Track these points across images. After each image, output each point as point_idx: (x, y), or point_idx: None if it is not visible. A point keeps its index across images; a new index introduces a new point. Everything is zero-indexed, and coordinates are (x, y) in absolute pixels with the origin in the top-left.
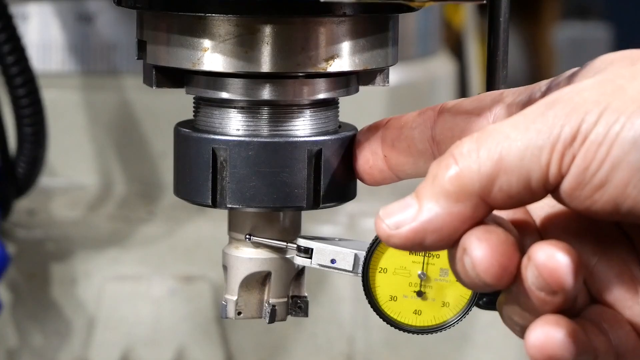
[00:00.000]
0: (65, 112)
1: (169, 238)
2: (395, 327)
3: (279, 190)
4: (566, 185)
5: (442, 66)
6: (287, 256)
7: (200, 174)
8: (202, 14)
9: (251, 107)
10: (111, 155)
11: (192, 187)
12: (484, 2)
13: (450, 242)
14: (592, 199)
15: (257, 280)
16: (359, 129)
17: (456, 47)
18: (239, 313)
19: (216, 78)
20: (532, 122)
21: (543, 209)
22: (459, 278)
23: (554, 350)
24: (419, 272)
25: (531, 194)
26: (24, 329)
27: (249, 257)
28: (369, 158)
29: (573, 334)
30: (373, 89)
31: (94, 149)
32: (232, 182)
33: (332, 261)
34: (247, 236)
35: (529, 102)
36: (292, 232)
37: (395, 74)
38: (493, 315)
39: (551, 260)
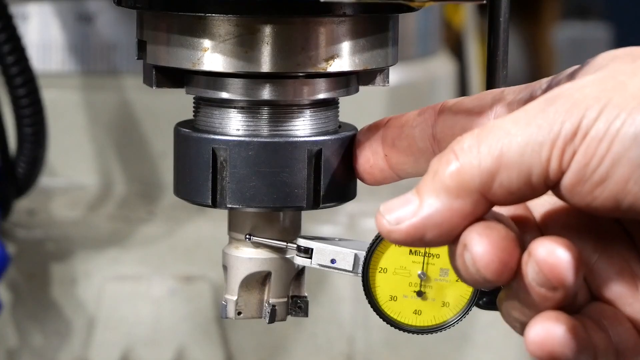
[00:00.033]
0: (65, 112)
1: (169, 238)
2: (395, 327)
3: (279, 190)
4: (567, 181)
5: (442, 66)
6: (287, 256)
7: (200, 174)
8: (202, 14)
9: (251, 107)
10: (111, 155)
11: (192, 187)
12: (484, 2)
13: (450, 238)
14: (592, 195)
15: (257, 280)
16: (359, 129)
17: (456, 47)
18: (239, 313)
19: (216, 78)
20: (533, 117)
21: (543, 205)
22: (459, 274)
23: (553, 347)
24: (419, 272)
25: (532, 190)
26: (24, 329)
27: (249, 257)
28: (369, 157)
29: (573, 331)
30: (373, 89)
31: (94, 149)
32: (232, 182)
33: (332, 261)
34: (247, 236)
35: (529, 99)
36: (292, 232)
37: (395, 74)
38: (493, 315)
39: (552, 256)
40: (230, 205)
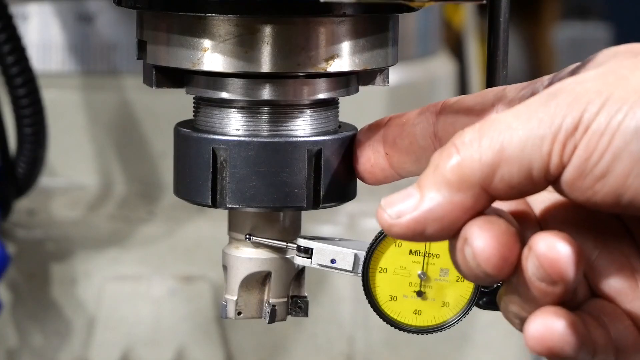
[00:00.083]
0: (65, 112)
1: (169, 238)
2: (395, 327)
3: (279, 190)
4: (567, 175)
5: (442, 66)
6: (287, 256)
7: (200, 174)
8: (202, 14)
9: (251, 107)
10: (111, 155)
11: (192, 187)
12: (484, 2)
13: (451, 232)
14: (593, 190)
15: (257, 280)
16: (359, 129)
17: (456, 47)
18: (239, 313)
19: (216, 78)
20: (534, 112)
21: (543, 201)
22: (459, 269)
23: (553, 342)
24: (419, 272)
25: (532, 184)
26: (24, 329)
27: (249, 257)
28: (370, 156)
29: (573, 326)
30: (373, 89)
31: (94, 149)
32: (232, 182)
33: (332, 261)
34: (247, 236)
35: (531, 97)
36: (292, 232)
37: (395, 74)
38: (493, 315)
39: (552, 250)
40: (230, 205)
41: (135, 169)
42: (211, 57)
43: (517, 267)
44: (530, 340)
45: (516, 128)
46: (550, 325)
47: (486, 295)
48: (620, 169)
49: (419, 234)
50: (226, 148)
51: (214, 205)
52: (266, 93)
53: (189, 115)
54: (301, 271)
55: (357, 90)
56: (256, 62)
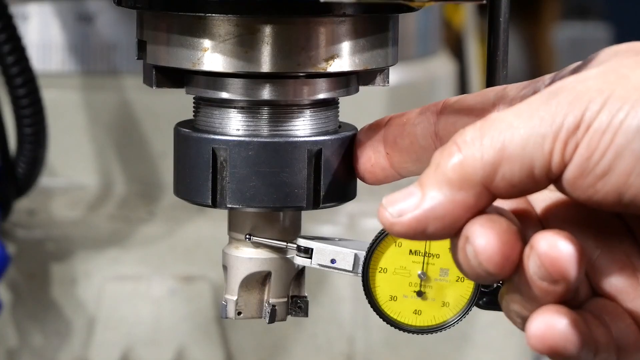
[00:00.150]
0: (65, 112)
1: (169, 238)
2: (395, 327)
3: (279, 190)
4: (569, 173)
5: (442, 66)
6: (287, 256)
7: (200, 174)
8: (202, 14)
9: (251, 107)
10: (111, 155)
11: (192, 187)
12: (484, 2)
13: (452, 231)
14: (594, 188)
15: (257, 280)
16: (359, 129)
17: (456, 47)
18: (239, 313)
19: (216, 78)
20: (536, 110)
21: (545, 200)
22: (460, 268)
23: (554, 341)
24: (419, 272)
25: (534, 183)
26: (24, 329)
27: (249, 257)
28: (371, 156)
29: (575, 325)
30: (373, 89)
31: (94, 149)
32: (232, 182)
33: (332, 261)
34: (247, 236)
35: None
36: (292, 232)
37: (395, 74)
38: (493, 315)
39: (553, 249)
40: (230, 205)
41: (135, 169)
42: (211, 57)
43: (518, 266)
44: (532, 338)
45: (517, 126)
46: (552, 323)
47: (486, 295)
48: (621, 168)
49: (420, 233)
50: (226, 148)
51: (214, 205)
52: (266, 93)
53: (189, 115)
54: (301, 271)
55: (357, 90)
56: (256, 62)
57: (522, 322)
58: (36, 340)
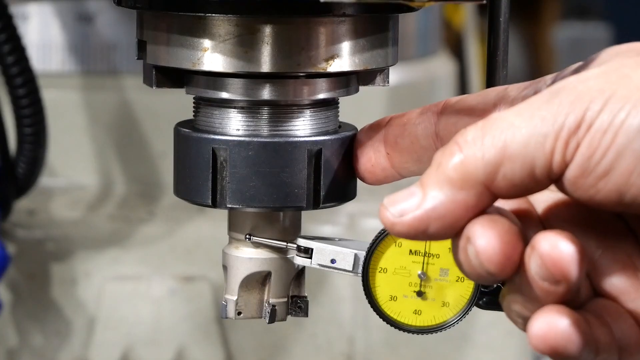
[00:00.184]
0: (65, 112)
1: (169, 238)
2: (395, 327)
3: (279, 190)
4: (570, 173)
5: (442, 66)
6: (287, 256)
7: (200, 174)
8: (202, 14)
9: (251, 107)
10: (111, 155)
11: (192, 187)
12: (484, 2)
13: (454, 231)
14: (596, 188)
15: (257, 280)
16: (359, 129)
17: (456, 47)
18: (239, 313)
19: (216, 78)
20: (537, 110)
21: (546, 200)
22: (461, 268)
23: (556, 341)
24: (419, 272)
25: (535, 183)
26: (24, 329)
27: (249, 257)
28: (371, 156)
29: (576, 325)
30: (373, 89)
31: (94, 149)
32: (232, 182)
33: (332, 261)
34: (247, 236)
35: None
36: (292, 232)
37: (395, 74)
38: (493, 315)
39: (555, 249)
40: (230, 205)
41: (135, 169)
42: (211, 57)
43: (519, 266)
44: (533, 338)
45: (519, 126)
46: (553, 323)
47: (486, 295)
48: (623, 167)
49: (421, 233)
50: (226, 148)
51: (214, 205)
52: (266, 93)
53: (189, 115)
54: (301, 271)
55: (357, 90)
56: (256, 62)
57: (523, 323)
58: (36, 340)
